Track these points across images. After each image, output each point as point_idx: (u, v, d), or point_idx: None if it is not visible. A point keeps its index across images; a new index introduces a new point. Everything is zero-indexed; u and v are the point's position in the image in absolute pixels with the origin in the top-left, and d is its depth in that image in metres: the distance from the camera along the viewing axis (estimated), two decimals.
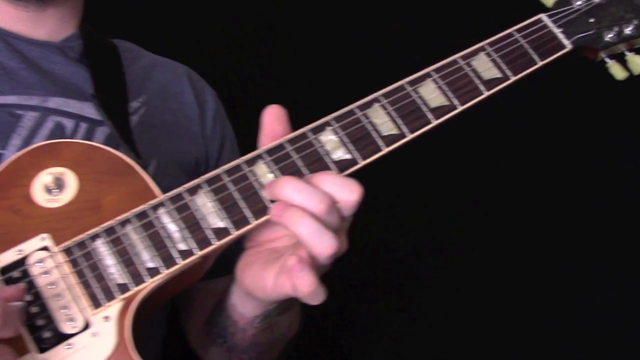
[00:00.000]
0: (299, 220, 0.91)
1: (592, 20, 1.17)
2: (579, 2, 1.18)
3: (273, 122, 1.00)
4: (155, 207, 0.96)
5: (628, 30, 1.18)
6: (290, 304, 1.12)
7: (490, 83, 1.08)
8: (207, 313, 1.24)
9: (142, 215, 0.95)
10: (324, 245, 0.91)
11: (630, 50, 1.20)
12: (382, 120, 1.03)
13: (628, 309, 1.81)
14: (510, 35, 1.12)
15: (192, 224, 0.95)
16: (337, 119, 1.02)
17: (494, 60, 1.10)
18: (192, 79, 1.36)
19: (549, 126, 1.89)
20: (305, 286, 0.91)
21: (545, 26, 1.14)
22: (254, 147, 1.01)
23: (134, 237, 0.94)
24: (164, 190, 1.16)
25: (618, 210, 1.85)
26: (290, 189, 0.93)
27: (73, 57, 1.24)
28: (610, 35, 1.17)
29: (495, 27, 1.13)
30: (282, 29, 1.85)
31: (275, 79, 1.81)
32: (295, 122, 1.03)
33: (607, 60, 1.19)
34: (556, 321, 1.81)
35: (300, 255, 0.92)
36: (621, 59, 1.19)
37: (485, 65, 1.09)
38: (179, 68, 1.37)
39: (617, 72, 1.18)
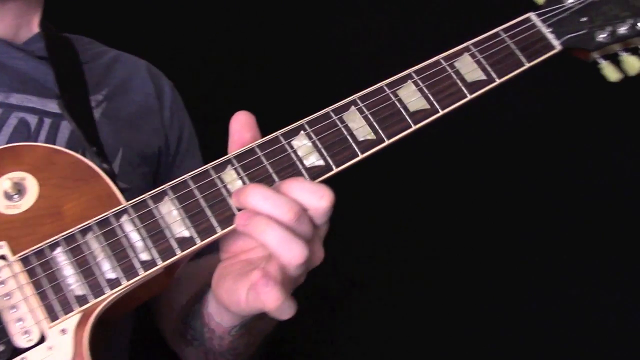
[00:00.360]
0: (265, 229, 0.87)
1: (584, 19, 1.12)
2: (570, 1, 1.13)
3: (241, 130, 0.96)
4: (118, 215, 0.92)
5: (623, 30, 1.13)
6: None
7: (473, 86, 1.04)
8: (179, 306, 1.22)
9: (104, 223, 0.91)
10: (293, 253, 0.87)
11: (626, 50, 1.15)
12: (358, 124, 0.99)
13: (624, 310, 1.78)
14: (496, 35, 1.08)
15: (156, 233, 0.91)
16: (311, 123, 0.98)
17: (478, 62, 1.05)
18: (152, 72, 1.35)
19: (533, 128, 1.85)
20: (271, 301, 0.87)
21: (533, 25, 1.09)
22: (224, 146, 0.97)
23: (95, 246, 0.90)
24: (128, 182, 1.13)
25: (608, 210, 1.82)
26: (257, 197, 0.89)
27: (34, 54, 1.21)
28: (603, 35, 1.12)
29: (482, 26, 1.09)
30: (259, 27, 1.80)
31: (249, 80, 1.76)
32: (269, 125, 0.99)
33: (601, 61, 1.14)
34: (539, 324, 1.78)
35: (266, 269, 0.88)
36: (615, 60, 1.14)
37: (469, 67, 1.05)
38: (139, 62, 1.35)
39: (611, 73, 1.13)
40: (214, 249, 1.00)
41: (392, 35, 1.68)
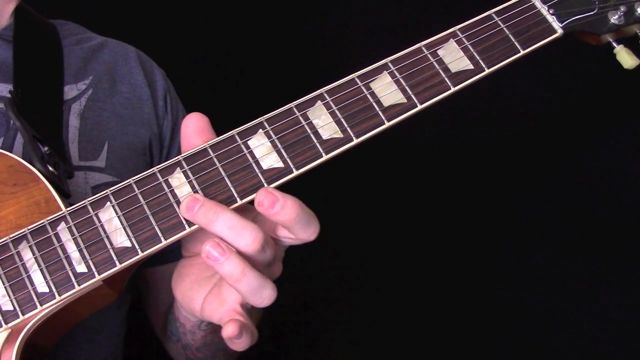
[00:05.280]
0: (240, 278, 0.82)
1: None
2: None
3: (191, 135, 0.88)
4: (55, 222, 0.85)
5: None
6: None
7: (458, 76, 0.92)
8: (167, 303, 1.20)
9: (39, 231, 0.84)
10: (263, 299, 0.84)
11: None
12: (324, 121, 0.89)
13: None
14: (488, 18, 0.96)
15: (94, 243, 0.84)
16: (271, 120, 0.88)
17: (465, 49, 0.93)
18: (142, 59, 1.26)
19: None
20: (241, 348, 0.86)
21: (532, 7, 0.96)
22: None
23: (28, 256, 0.83)
24: (119, 177, 1.07)
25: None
26: (221, 225, 0.82)
27: (9, 40, 1.13)
28: (616, 16, 0.99)
29: (476, 10, 0.97)
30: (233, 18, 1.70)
31: (216, 73, 1.67)
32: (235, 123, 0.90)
33: (615, 44, 1.00)
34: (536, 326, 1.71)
35: (238, 321, 0.84)
36: (631, 43, 1.01)
37: (454, 55, 0.93)
38: (128, 49, 1.26)
39: (626, 59, 0.99)
40: None
41: (372, 21, 1.54)
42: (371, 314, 1.75)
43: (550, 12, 0.96)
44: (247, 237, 0.82)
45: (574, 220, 1.70)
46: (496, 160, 1.70)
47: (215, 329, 1.03)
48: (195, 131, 0.88)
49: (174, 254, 1.20)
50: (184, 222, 0.84)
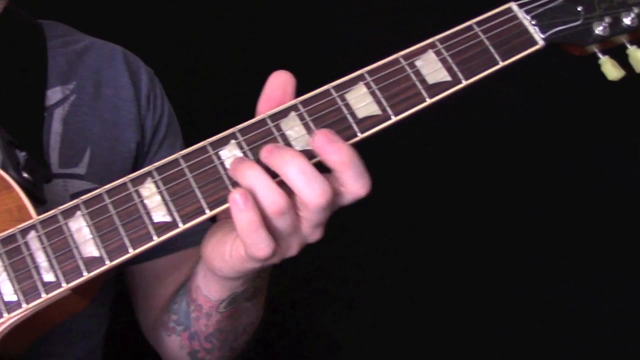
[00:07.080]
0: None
1: (579, 8, 0.96)
2: None
3: (277, 89, 0.88)
4: (25, 231, 0.85)
5: (628, 20, 0.98)
6: (256, 290, 1.02)
7: (435, 88, 0.91)
8: (163, 299, 1.18)
9: (8, 239, 0.85)
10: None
11: (631, 43, 0.99)
12: (298, 133, 0.88)
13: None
14: (468, 28, 0.94)
15: (63, 252, 0.84)
16: (244, 131, 0.88)
17: (444, 60, 0.92)
18: (128, 59, 1.25)
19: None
20: (243, 224, 0.82)
21: (514, 17, 0.94)
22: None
23: None
24: (100, 183, 1.05)
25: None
26: (292, 168, 0.82)
27: None
28: (601, 28, 0.97)
29: (460, 20, 0.95)
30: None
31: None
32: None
33: (600, 55, 0.98)
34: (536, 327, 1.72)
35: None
36: (617, 54, 0.99)
37: (432, 67, 0.91)
38: (115, 49, 1.25)
39: (610, 71, 0.97)
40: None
41: (353, 32, 1.52)
42: (371, 315, 1.75)
43: (533, 22, 0.94)
44: (317, 188, 0.81)
45: (572, 222, 1.70)
46: (495, 163, 1.69)
47: (230, 313, 1.03)
48: (279, 86, 0.88)
49: (163, 250, 1.20)
50: (153, 232, 0.84)
